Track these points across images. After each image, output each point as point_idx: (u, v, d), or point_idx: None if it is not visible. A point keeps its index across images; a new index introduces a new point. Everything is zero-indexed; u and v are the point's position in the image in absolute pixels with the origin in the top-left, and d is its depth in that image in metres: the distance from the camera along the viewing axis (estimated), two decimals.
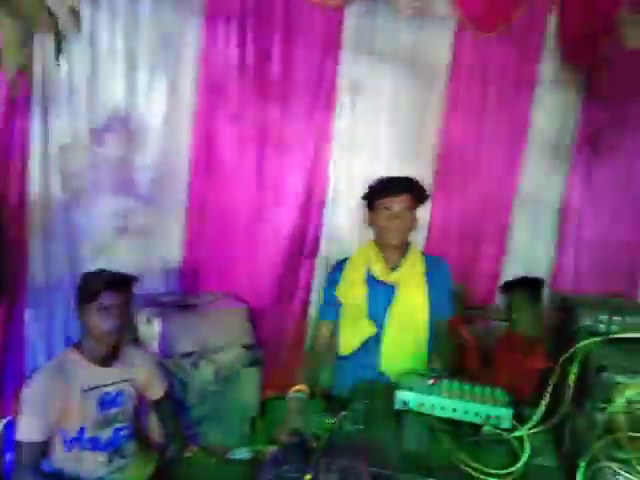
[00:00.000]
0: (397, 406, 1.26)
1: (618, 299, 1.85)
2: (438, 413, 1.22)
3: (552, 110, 3.64)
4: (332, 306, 1.87)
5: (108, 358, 1.63)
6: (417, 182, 1.82)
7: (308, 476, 1.16)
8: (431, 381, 1.34)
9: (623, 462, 0.95)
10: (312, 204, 3.16)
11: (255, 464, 1.70)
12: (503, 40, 3.42)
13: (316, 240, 3.13)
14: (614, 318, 1.21)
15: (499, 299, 2.70)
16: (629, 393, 1.05)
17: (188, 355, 2.41)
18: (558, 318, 1.46)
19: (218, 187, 2.91)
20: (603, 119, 3.50)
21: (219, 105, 2.87)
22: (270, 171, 3.03)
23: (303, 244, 3.12)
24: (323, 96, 3.06)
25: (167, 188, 2.77)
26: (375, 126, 3.23)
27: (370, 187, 1.86)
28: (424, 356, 1.80)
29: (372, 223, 1.84)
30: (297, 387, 1.60)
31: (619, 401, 1.05)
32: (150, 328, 2.46)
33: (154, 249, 2.81)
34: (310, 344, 1.90)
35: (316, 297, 3.11)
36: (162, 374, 1.96)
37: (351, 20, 3.07)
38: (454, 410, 1.23)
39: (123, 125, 2.64)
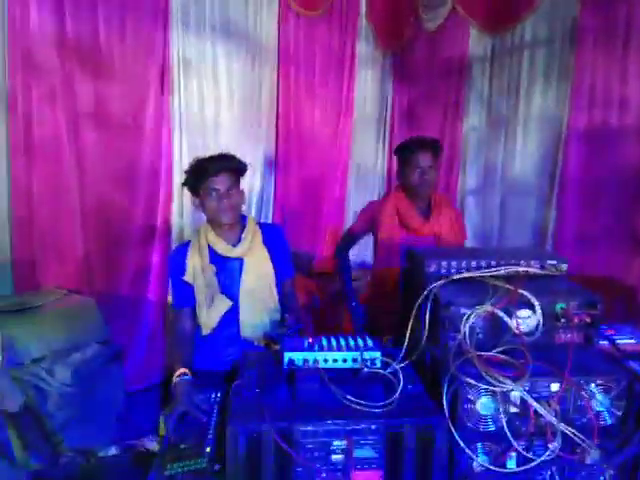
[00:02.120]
0: (286, 366, 1.36)
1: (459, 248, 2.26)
2: (322, 365, 1.36)
3: (372, 86, 4.02)
4: (183, 294, 1.90)
5: None
6: (234, 157, 1.88)
7: None
8: (310, 339, 1.47)
9: (475, 376, 1.18)
10: (154, 186, 3.06)
11: (130, 459, 1.69)
12: (324, 20, 3.66)
13: (165, 224, 3.06)
14: (453, 263, 1.45)
15: None
16: (470, 321, 1.30)
17: (39, 360, 2.21)
18: (408, 270, 1.68)
19: (45, 170, 2.65)
20: (413, 95, 3.97)
21: (37, 82, 2.60)
22: (105, 152, 2.85)
23: (150, 229, 3.02)
24: (155, 73, 2.95)
25: None
26: (212, 105, 3.23)
27: (189, 171, 1.87)
28: (279, 317, 1.95)
29: (202, 206, 1.87)
30: (179, 371, 1.62)
31: (465, 328, 1.29)
32: None
33: None
34: (173, 334, 1.89)
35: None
36: (14, 386, 1.79)
37: None
38: (335, 360, 1.38)
39: None
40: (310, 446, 1.14)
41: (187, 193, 2.82)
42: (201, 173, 1.82)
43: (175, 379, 1.60)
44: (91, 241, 2.83)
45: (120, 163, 2.86)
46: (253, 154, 3.32)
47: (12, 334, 2.18)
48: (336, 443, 1.15)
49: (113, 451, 1.74)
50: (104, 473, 1.65)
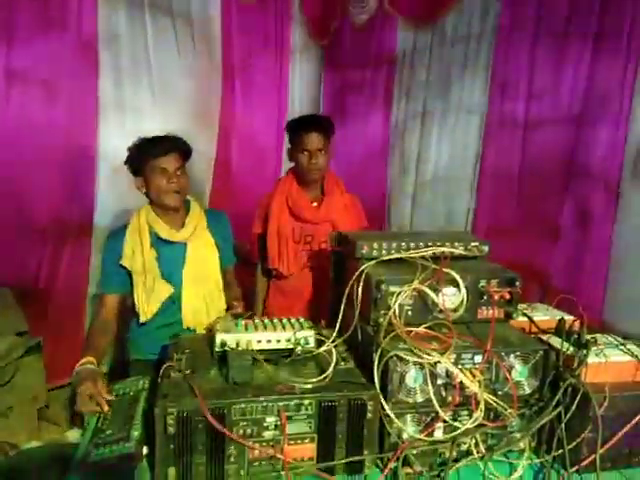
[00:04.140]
0: (217, 348, 1.34)
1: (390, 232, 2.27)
2: (256, 346, 1.35)
3: (305, 76, 4.02)
4: (115, 278, 1.81)
5: None
6: (181, 139, 1.84)
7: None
8: (243, 322, 1.46)
9: (404, 350, 1.22)
10: (78, 171, 2.90)
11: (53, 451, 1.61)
12: (260, 7, 3.62)
13: (89, 210, 2.91)
14: (383, 244, 1.49)
15: None
16: (400, 298, 1.34)
17: None
18: (337, 254, 1.71)
19: None
20: (342, 85, 4.02)
21: None
22: (25, 135, 2.68)
23: (73, 214, 2.87)
24: (81, 49, 2.79)
25: None
26: (143, 87, 3.10)
27: (134, 149, 1.80)
28: (223, 304, 1.91)
29: (145, 186, 1.80)
30: (83, 360, 1.53)
31: (395, 306, 1.33)
32: None
33: None
34: (94, 319, 1.80)
35: (94, 273, 2.92)
36: None
37: None
38: (268, 341, 1.38)
39: None
40: (243, 423, 1.13)
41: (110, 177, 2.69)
42: (148, 152, 1.75)
43: (75, 370, 1.48)
44: (4, 230, 2.64)
45: (38, 141, 2.67)
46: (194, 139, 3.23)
47: None
48: (269, 419, 1.14)
49: (34, 444, 1.65)
50: (24, 466, 1.56)
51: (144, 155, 1.77)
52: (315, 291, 2.19)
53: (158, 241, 1.82)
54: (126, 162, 1.82)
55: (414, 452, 1.23)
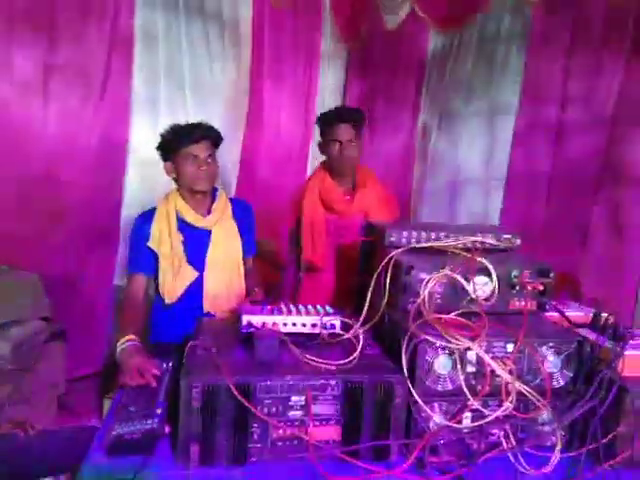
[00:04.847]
0: (244, 329, 1.33)
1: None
2: (282, 329, 1.34)
3: (333, 80, 4.05)
4: (143, 259, 1.84)
5: None
6: (213, 127, 1.88)
7: None
8: (268, 307, 1.45)
9: (433, 336, 1.19)
10: (109, 163, 2.95)
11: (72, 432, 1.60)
12: (291, 11, 3.66)
13: (117, 202, 2.95)
14: (413, 233, 1.47)
15: None
16: (430, 286, 1.32)
17: None
18: (367, 244, 1.69)
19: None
20: (370, 90, 4.02)
21: None
22: (60, 127, 2.74)
23: (102, 205, 2.91)
24: (118, 46, 2.85)
25: None
26: (176, 85, 3.15)
27: (168, 135, 1.83)
28: (243, 291, 1.92)
29: (175, 172, 1.84)
30: (125, 338, 1.55)
31: (424, 292, 1.30)
32: None
33: None
34: (125, 299, 1.82)
35: (121, 264, 2.95)
36: None
37: None
38: (294, 324, 1.36)
39: None
40: (268, 401, 1.11)
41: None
42: (181, 138, 1.79)
43: (120, 346, 1.52)
44: (37, 218, 2.69)
45: (72, 133, 2.74)
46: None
47: None
48: (294, 398, 1.12)
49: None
50: (43, 445, 1.56)
51: (177, 142, 1.81)
52: (346, 284, 2.17)
53: (184, 226, 1.85)
54: (158, 147, 1.85)
55: (441, 442, 1.20)
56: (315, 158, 3.85)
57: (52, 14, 2.64)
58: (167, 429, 1.21)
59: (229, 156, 3.34)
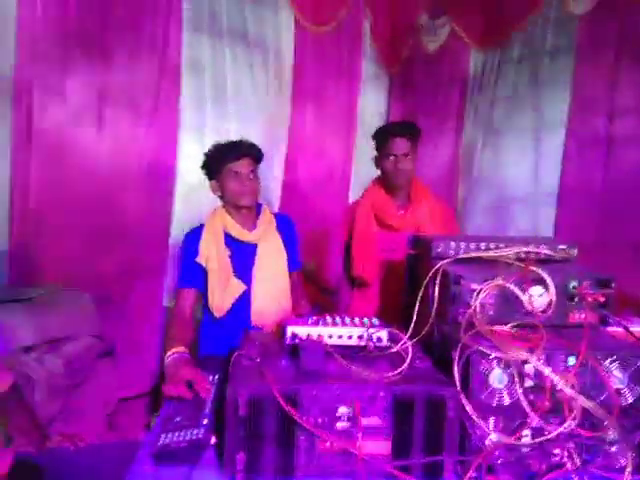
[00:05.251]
0: (289, 340, 1.31)
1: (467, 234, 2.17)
2: (327, 341, 1.31)
3: (374, 104, 4.07)
4: (192, 274, 1.86)
5: None
6: (254, 144, 1.91)
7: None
8: (314, 318, 1.43)
9: (488, 346, 1.13)
10: (159, 188, 3.05)
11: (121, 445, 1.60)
12: (332, 38, 3.74)
13: (165, 225, 3.03)
14: (461, 244, 1.43)
15: None
16: (481, 296, 1.26)
17: (30, 349, 2.14)
18: (413, 257, 1.65)
19: (47, 163, 2.65)
20: (412, 112, 4.02)
21: (42, 74, 2.62)
22: (112, 152, 2.85)
23: (151, 228, 2.99)
24: (167, 73, 2.97)
25: None
26: (221, 110, 3.25)
27: (211, 153, 1.88)
28: (290, 305, 1.91)
29: (220, 189, 1.88)
30: (173, 350, 1.56)
31: (476, 303, 1.25)
32: None
33: None
34: (173, 315, 1.84)
35: (169, 286, 3.01)
36: (2, 366, 1.72)
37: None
38: (340, 336, 1.33)
39: None
40: (315, 412, 1.08)
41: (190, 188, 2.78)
42: (224, 156, 1.84)
43: (168, 357, 1.53)
44: (89, 240, 2.79)
45: (124, 158, 2.85)
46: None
47: (3, 321, 2.12)
48: (342, 410, 1.08)
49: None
50: (92, 458, 1.57)
51: (220, 159, 1.85)
52: (393, 302, 2.12)
53: (231, 241, 1.88)
54: (203, 166, 1.89)
55: (498, 461, 1.12)
56: (358, 182, 3.85)
57: (104, 42, 2.78)
58: (213, 440, 1.20)
59: (271, 175, 3.39)
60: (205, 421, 1.24)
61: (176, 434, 1.19)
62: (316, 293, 3.06)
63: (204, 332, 1.92)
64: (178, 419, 1.26)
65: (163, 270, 2.99)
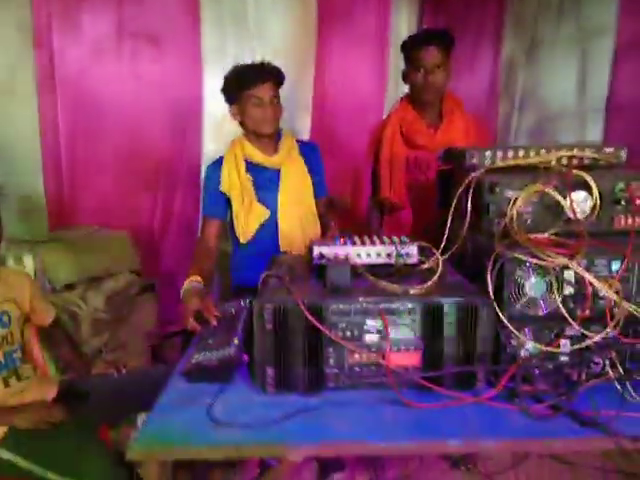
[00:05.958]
0: (316, 260, 1.28)
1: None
2: (355, 261, 1.27)
3: (407, 21, 3.81)
4: (216, 203, 1.84)
5: None
6: (276, 67, 1.79)
7: None
8: (341, 240, 1.39)
9: (524, 253, 1.06)
10: (187, 128, 3.00)
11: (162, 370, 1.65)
12: None
13: (196, 158, 3.00)
14: (498, 153, 1.33)
15: None
16: (518, 204, 1.18)
17: (72, 287, 2.21)
18: (444, 172, 1.56)
19: (74, 108, 2.64)
20: (447, 24, 3.74)
21: (62, 15, 2.57)
22: (138, 91, 2.81)
23: (182, 162, 2.97)
24: (185, 4, 2.86)
25: None
26: (242, 36, 3.12)
27: (230, 78, 1.78)
28: (318, 230, 1.89)
29: (240, 114, 1.80)
30: (189, 279, 1.55)
31: (512, 211, 1.17)
32: (21, 267, 2.21)
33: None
34: (197, 243, 1.84)
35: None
36: (47, 299, 1.77)
37: None
38: (368, 255, 1.29)
39: None
40: (342, 325, 1.06)
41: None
42: (245, 80, 1.75)
43: (184, 287, 1.53)
44: (122, 179, 2.81)
45: (152, 101, 2.81)
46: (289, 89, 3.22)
47: (45, 261, 2.19)
48: (370, 322, 1.06)
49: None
50: (136, 383, 1.63)
51: (240, 84, 1.76)
52: (424, 223, 2.04)
53: (252, 167, 1.83)
54: (222, 90, 1.82)
55: (535, 371, 1.08)
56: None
57: None
58: (245, 358, 1.20)
59: (296, 101, 3.25)
60: (236, 341, 1.24)
61: (207, 353, 1.20)
62: (349, 224, 3.01)
63: (235, 262, 1.92)
64: (210, 341, 1.28)
65: (196, 204, 2.99)
